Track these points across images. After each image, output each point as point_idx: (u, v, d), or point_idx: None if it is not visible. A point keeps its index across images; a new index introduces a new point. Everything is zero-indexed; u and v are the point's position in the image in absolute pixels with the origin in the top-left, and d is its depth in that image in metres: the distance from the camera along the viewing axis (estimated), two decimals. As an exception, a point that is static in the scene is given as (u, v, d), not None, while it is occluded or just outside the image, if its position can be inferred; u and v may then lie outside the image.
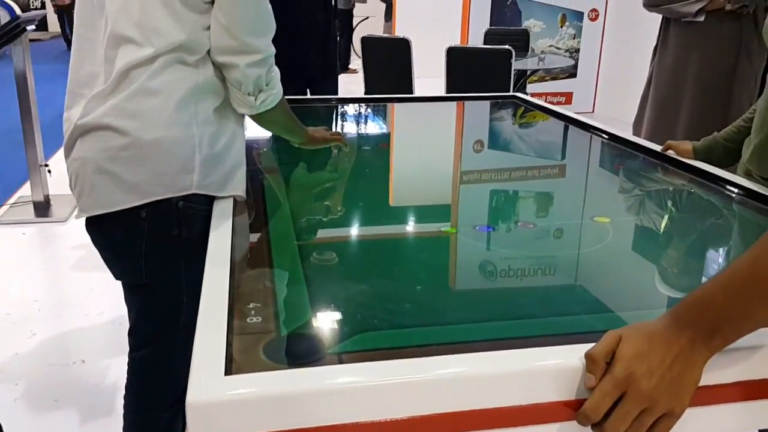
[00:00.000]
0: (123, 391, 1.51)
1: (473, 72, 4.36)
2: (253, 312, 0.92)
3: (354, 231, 1.37)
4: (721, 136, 1.63)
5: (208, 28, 1.26)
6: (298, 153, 1.90)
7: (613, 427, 0.71)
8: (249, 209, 1.32)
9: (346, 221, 1.42)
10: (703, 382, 0.74)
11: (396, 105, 2.57)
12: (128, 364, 1.53)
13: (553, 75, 6.98)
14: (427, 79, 5.24)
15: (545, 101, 7.33)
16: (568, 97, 7.12)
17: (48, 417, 2.10)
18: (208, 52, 1.27)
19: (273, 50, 1.30)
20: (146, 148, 1.23)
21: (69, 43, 11.66)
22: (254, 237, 1.21)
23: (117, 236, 1.32)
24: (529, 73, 5.57)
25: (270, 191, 1.46)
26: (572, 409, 0.75)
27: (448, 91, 4.42)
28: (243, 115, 1.40)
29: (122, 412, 1.53)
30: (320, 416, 0.71)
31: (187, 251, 1.28)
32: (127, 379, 1.54)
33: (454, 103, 2.68)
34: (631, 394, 0.71)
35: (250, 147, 1.51)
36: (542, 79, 7.02)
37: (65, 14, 11.89)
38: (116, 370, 2.23)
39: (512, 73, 4.34)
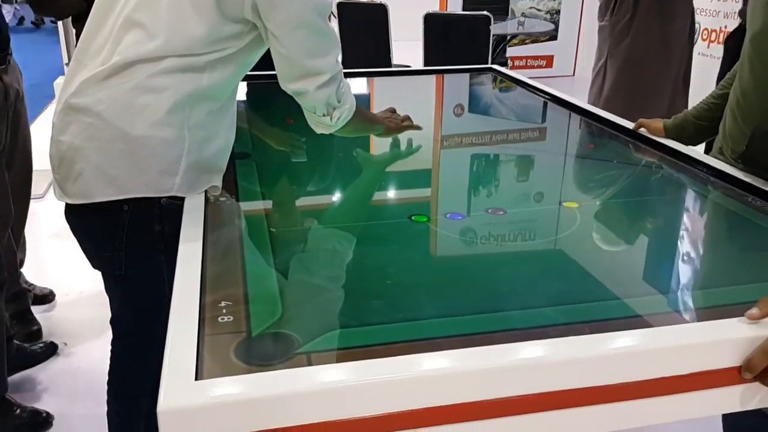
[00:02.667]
0: (106, 374, 1.53)
1: (451, 39, 4.33)
2: (224, 311, 0.93)
3: (327, 219, 1.37)
4: (691, 114, 1.64)
5: (233, 36, 1.23)
6: (270, 138, 1.90)
7: None
8: (222, 200, 1.32)
9: (320, 209, 1.42)
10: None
11: (371, 79, 2.56)
12: (111, 351, 1.54)
13: (533, 38, 6.93)
14: (406, 43, 5.19)
15: (526, 65, 7.27)
16: (548, 61, 7.09)
17: (31, 400, 2.11)
18: (225, 57, 1.25)
19: (339, 67, 1.29)
20: (133, 144, 1.22)
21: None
22: (227, 230, 1.20)
23: (97, 227, 1.32)
24: (509, 37, 5.53)
25: (243, 179, 1.46)
26: (525, 401, 0.78)
27: (425, 59, 4.39)
28: (234, 121, 1.38)
29: (105, 395, 1.55)
30: (289, 417, 0.73)
31: (168, 246, 1.26)
32: (110, 365, 1.55)
33: (429, 77, 2.66)
34: None
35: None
36: (523, 42, 6.97)
37: None
38: (99, 351, 2.25)
39: (491, 39, 4.32)
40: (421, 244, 1.21)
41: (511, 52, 6.59)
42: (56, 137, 1.29)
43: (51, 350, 2.33)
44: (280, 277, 1.07)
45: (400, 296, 1.04)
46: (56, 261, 3.01)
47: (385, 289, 1.05)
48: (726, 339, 0.84)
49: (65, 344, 2.39)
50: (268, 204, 1.41)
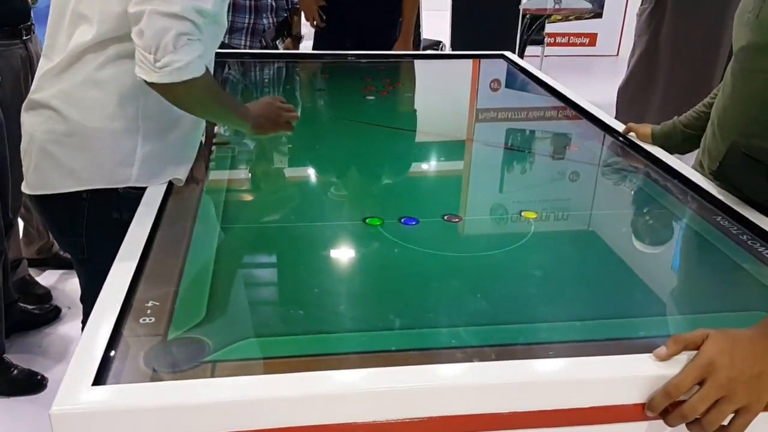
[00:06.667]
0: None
1: (480, 15, 4.26)
2: (149, 312, 0.96)
3: (281, 218, 1.36)
4: (680, 122, 1.58)
5: None
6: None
7: (692, 406, 0.78)
8: (185, 191, 1.34)
9: (279, 206, 1.41)
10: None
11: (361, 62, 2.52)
12: (82, 329, 1.60)
13: (577, 14, 6.72)
14: (435, 12, 5.14)
15: (568, 42, 7.02)
16: (591, 39, 6.89)
17: (28, 362, 2.18)
18: None
19: (198, 19, 1.13)
20: (87, 137, 1.26)
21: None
22: (180, 224, 1.21)
23: (58, 214, 1.37)
24: (546, 13, 5.37)
25: (215, 169, 1.47)
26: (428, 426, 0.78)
27: (453, 35, 4.33)
28: None
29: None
30: (173, 429, 0.75)
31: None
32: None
33: (431, 62, 2.61)
34: (710, 380, 0.78)
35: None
36: (567, 19, 6.76)
37: None
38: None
39: (521, 15, 4.23)
40: (367, 249, 1.20)
41: (552, 28, 6.41)
42: (21, 130, 1.34)
43: (54, 314, 2.42)
44: (217, 278, 1.06)
45: (327, 306, 1.03)
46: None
47: (313, 298, 1.04)
48: (631, 376, 0.83)
49: (69, 308, 2.48)
50: (230, 197, 1.41)
